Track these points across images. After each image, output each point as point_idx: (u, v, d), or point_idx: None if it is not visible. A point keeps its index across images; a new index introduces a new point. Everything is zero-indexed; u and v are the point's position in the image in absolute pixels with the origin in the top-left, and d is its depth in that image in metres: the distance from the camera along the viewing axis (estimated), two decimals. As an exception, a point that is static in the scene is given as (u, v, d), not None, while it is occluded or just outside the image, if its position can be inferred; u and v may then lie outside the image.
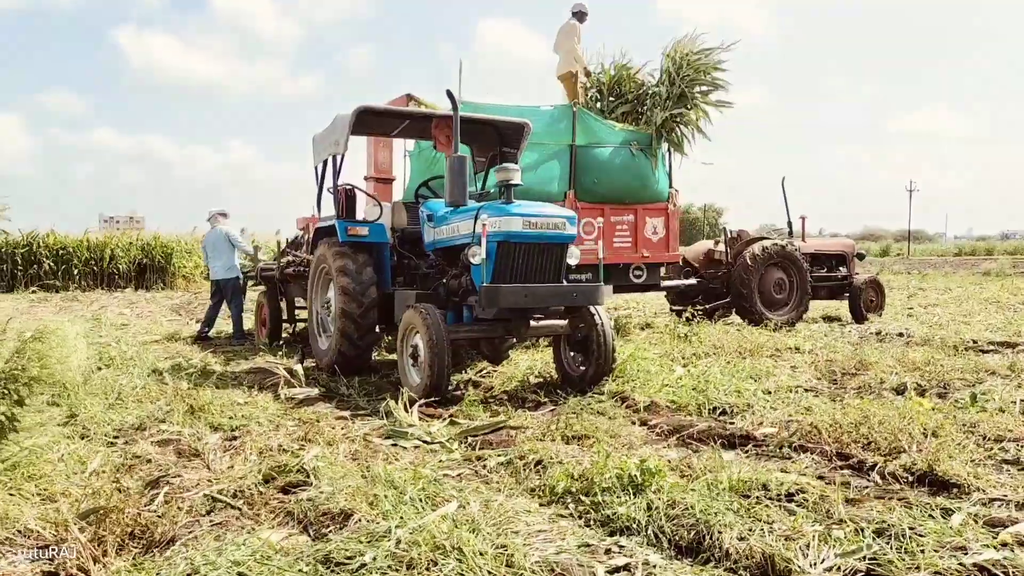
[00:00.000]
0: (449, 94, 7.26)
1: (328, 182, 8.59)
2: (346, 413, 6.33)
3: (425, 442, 5.31)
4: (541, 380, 7.64)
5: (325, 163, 8.55)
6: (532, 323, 7.16)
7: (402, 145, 10.90)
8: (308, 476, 4.34)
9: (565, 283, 7.03)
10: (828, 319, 14.46)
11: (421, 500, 3.87)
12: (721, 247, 13.47)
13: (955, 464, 4.42)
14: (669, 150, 11.89)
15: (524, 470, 4.59)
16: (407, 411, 5.91)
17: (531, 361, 8.67)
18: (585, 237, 11.28)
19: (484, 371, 8.22)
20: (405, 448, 5.23)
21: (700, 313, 12.36)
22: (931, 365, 7.99)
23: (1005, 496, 4.04)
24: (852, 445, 4.95)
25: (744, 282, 12.43)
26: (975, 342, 10.29)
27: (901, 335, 11.28)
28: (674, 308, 13.59)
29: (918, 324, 12.95)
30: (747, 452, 5.14)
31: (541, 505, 4.03)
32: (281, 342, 10.28)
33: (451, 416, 6.04)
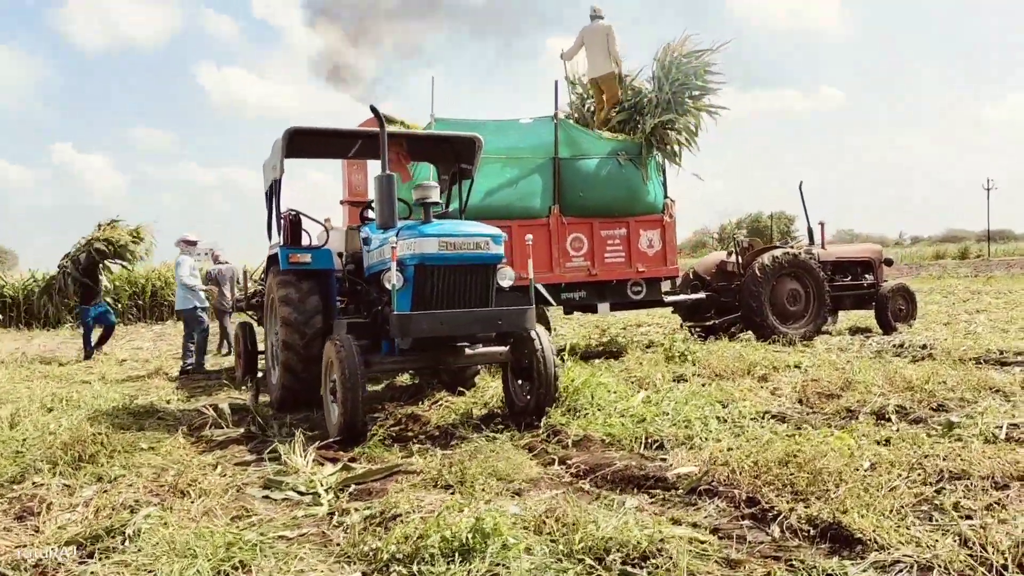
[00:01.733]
0: (373, 110, 6.81)
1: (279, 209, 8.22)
2: (251, 457, 5.88)
3: (299, 492, 4.81)
4: (488, 412, 7.07)
5: (271, 188, 8.17)
6: (468, 351, 6.62)
7: (376, 167, 10.51)
8: (125, 540, 3.89)
9: (496, 308, 6.46)
10: (856, 331, 13.48)
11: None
12: (734, 259, 12.66)
13: (868, 515, 3.71)
14: (664, 159, 11.21)
15: (373, 528, 4.04)
16: (302, 455, 5.43)
17: (497, 389, 8.10)
18: (573, 254, 10.71)
19: (439, 401, 7.68)
20: (275, 501, 4.75)
21: (698, 330, 11.60)
22: (929, 383, 7.15)
23: (908, 556, 3.32)
24: (766, 488, 4.26)
25: (753, 294, 11.63)
26: (1001, 353, 9.33)
27: (924, 347, 10.31)
28: (685, 324, 12.81)
29: (950, 334, 11.91)
30: (653, 498, 4.51)
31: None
32: (253, 377, 9.90)
33: (350, 459, 5.53)
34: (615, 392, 7.09)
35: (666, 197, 11.25)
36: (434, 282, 6.18)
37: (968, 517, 3.75)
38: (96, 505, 4.48)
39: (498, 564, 3.34)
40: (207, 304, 11.98)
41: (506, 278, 6.50)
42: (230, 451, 6.15)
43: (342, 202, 10.94)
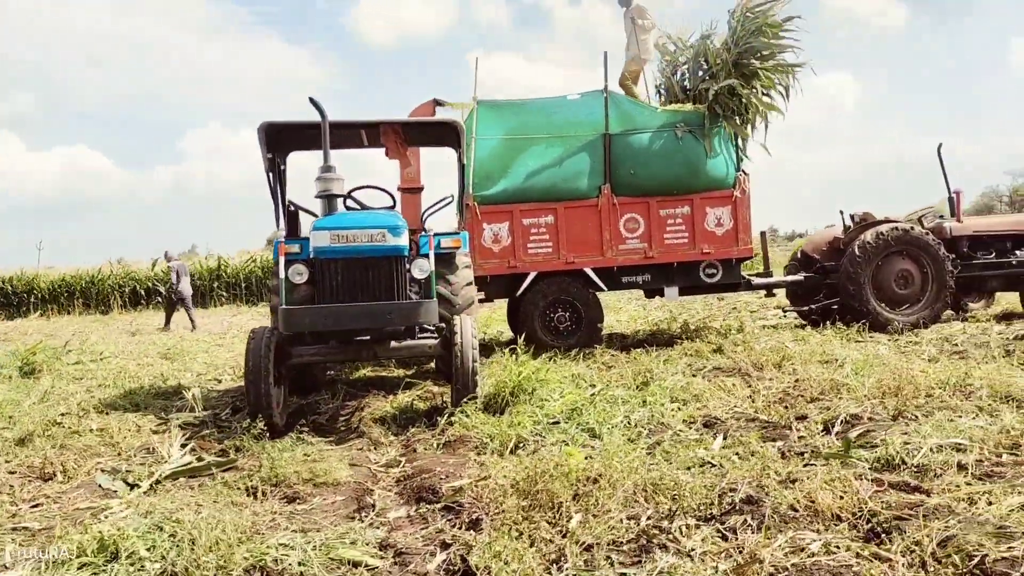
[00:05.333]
0: (312, 101, 6.79)
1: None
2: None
3: (127, 483, 5.00)
4: (432, 406, 6.93)
5: (269, 181, 8.37)
6: (394, 343, 6.50)
7: (428, 153, 10.54)
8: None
9: (406, 300, 6.27)
10: (1008, 317, 11.45)
11: None
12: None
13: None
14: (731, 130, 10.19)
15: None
16: (180, 444, 5.66)
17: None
18: (628, 235, 10.10)
19: (417, 393, 7.64)
20: (101, 488, 4.97)
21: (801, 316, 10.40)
22: (934, 390, 5.99)
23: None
24: (491, 506, 3.83)
25: (852, 277, 10.30)
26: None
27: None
28: (788, 310, 11.59)
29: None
30: (416, 509, 4.21)
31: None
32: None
33: (222, 450, 5.66)
34: (556, 389, 6.64)
35: (739, 170, 10.22)
36: (332, 276, 6.13)
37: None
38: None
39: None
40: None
41: (419, 270, 6.29)
42: (163, 437, 6.45)
43: (399, 188, 11.07)
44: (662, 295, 10.65)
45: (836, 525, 3.54)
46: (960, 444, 4.58)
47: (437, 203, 9.18)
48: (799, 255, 11.89)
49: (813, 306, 10.94)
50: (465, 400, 6.19)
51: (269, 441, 5.54)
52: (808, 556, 3.17)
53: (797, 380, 6.67)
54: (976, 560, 3.02)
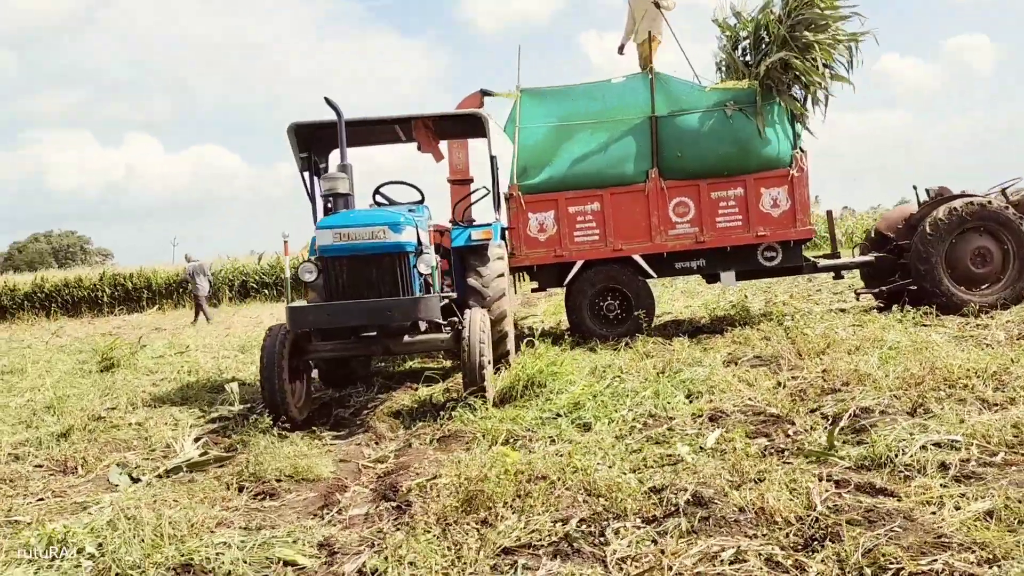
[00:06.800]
0: (327, 100, 6.90)
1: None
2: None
3: (131, 478, 5.25)
4: (447, 398, 6.98)
5: (303, 180, 8.53)
6: (407, 338, 6.57)
7: (477, 144, 10.55)
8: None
9: (410, 296, 6.31)
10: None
11: None
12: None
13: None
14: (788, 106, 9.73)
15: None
16: (192, 439, 5.91)
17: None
18: (677, 220, 9.84)
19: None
20: (108, 483, 5.23)
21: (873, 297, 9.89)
22: (959, 379, 5.59)
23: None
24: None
25: (922, 256, 9.68)
26: None
27: None
28: (860, 292, 10.98)
29: None
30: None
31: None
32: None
33: (230, 446, 5.86)
34: (570, 382, 6.56)
35: (795, 148, 9.76)
36: (337, 273, 6.24)
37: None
38: None
39: None
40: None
41: (425, 265, 6.31)
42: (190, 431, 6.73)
43: (448, 180, 11.12)
44: (718, 281, 10.32)
45: (779, 530, 3.36)
46: (956, 441, 4.26)
47: (469, 195, 9.21)
48: (872, 234, 11.27)
49: (884, 288, 10.34)
50: (473, 393, 6.20)
51: (271, 436, 5.68)
52: (717, 564, 3.03)
53: (824, 370, 6.35)
54: (891, 573, 2.81)
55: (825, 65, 9.62)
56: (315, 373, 8.49)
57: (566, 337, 9.35)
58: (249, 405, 7.43)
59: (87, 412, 7.08)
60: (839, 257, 10.72)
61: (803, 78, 9.56)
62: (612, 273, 9.87)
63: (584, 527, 3.54)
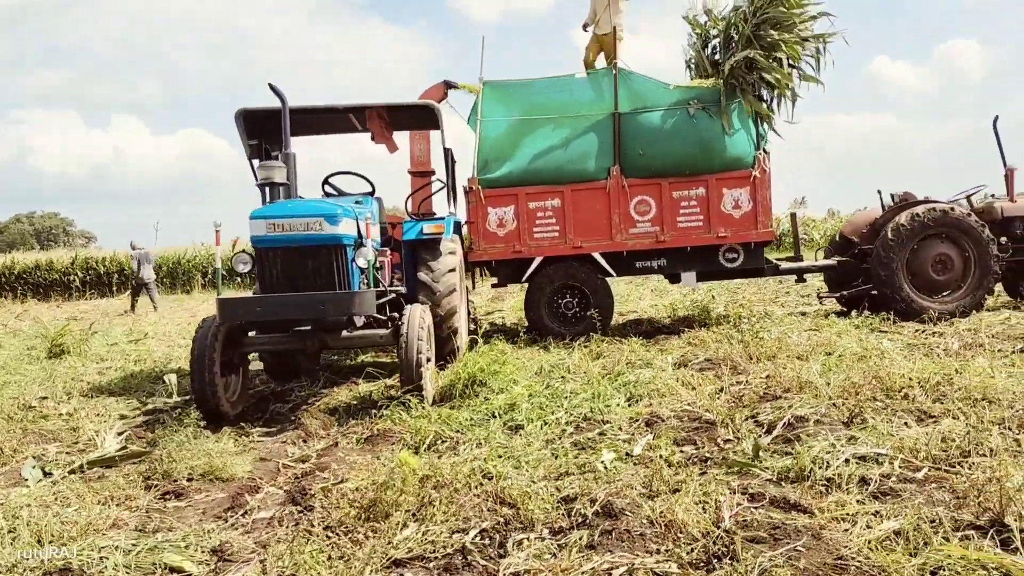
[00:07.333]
0: (271, 87, 6.68)
1: None
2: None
3: (45, 473, 5.05)
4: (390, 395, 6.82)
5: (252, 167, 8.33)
6: (345, 333, 6.41)
7: (439, 136, 10.36)
8: None
9: (358, 289, 6.16)
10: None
11: None
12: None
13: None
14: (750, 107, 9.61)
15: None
16: (115, 434, 5.74)
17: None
18: (639, 218, 9.71)
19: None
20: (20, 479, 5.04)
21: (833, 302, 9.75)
22: (900, 387, 5.50)
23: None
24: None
25: (883, 261, 9.61)
26: None
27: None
28: (823, 296, 10.91)
29: None
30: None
31: None
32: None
33: (152, 440, 5.67)
34: (510, 382, 6.42)
35: (758, 149, 9.65)
36: (270, 265, 6.07)
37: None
38: None
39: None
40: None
41: (362, 257, 6.15)
42: (119, 424, 6.54)
43: (409, 171, 10.94)
44: (678, 281, 10.20)
45: (683, 545, 3.24)
46: (881, 455, 4.15)
47: (421, 187, 9.06)
48: (837, 237, 11.20)
49: (846, 292, 10.27)
50: (410, 391, 6.05)
51: (194, 431, 5.50)
52: (606, 583, 2.90)
53: (768, 376, 6.25)
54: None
55: (791, 64, 9.52)
56: (261, 366, 8.35)
57: (521, 334, 9.21)
58: (187, 398, 7.26)
59: (17, 401, 6.88)
60: (802, 260, 10.65)
61: (767, 77, 9.45)
62: (571, 271, 9.74)
63: (485, 538, 3.40)
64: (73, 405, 6.99)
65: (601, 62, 10.48)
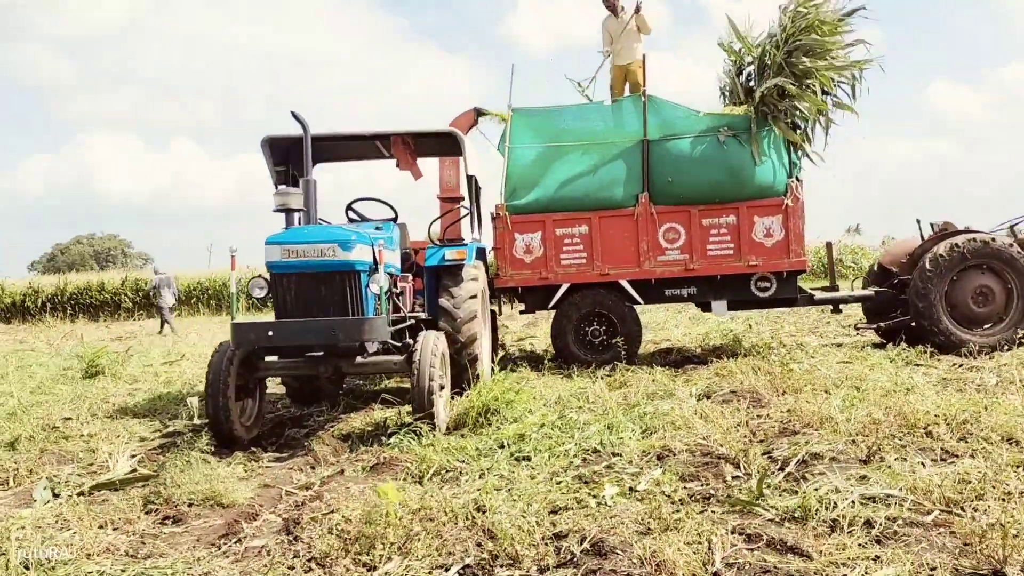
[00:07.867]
0: (294, 115, 6.75)
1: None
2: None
3: (54, 494, 5.11)
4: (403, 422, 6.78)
5: None
6: (359, 359, 6.40)
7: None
8: None
9: (375, 316, 6.14)
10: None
11: None
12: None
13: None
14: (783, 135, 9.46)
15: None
16: (128, 458, 5.79)
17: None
18: (667, 246, 9.60)
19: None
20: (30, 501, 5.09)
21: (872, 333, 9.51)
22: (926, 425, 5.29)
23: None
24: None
25: (921, 293, 9.33)
26: None
27: None
28: (860, 327, 10.61)
29: None
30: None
31: None
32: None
33: (164, 463, 5.70)
34: (528, 409, 6.35)
35: (791, 176, 9.48)
36: (285, 291, 6.09)
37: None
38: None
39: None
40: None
41: (376, 284, 6.14)
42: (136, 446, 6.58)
43: (438, 197, 10.97)
44: (709, 310, 10.04)
45: (671, 588, 3.13)
46: (891, 496, 3.98)
47: (444, 213, 9.07)
48: (875, 267, 10.93)
49: (883, 324, 9.99)
50: (421, 419, 6.01)
51: (203, 455, 5.51)
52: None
53: (790, 410, 6.07)
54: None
55: (825, 92, 9.37)
56: (284, 390, 8.39)
57: (546, 362, 9.13)
58: (207, 421, 7.31)
59: (42, 421, 7.00)
60: (837, 290, 10.39)
61: (799, 105, 9.31)
62: (598, 298, 9.65)
63: (468, 574, 3.33)
64: (96, 426, 7.07)
65: (627, 90, 10.45)
